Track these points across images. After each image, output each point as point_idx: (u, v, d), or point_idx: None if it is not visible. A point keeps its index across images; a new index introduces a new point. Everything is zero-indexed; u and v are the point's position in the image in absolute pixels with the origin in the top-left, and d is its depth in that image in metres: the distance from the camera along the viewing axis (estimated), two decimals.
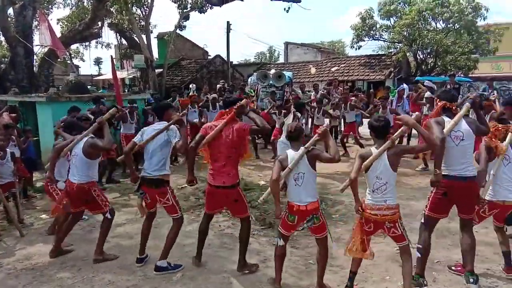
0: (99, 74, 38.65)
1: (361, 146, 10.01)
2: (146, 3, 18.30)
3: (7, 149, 5.77)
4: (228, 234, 5.16)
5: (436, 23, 22.04)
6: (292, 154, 3.54)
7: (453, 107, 3.77)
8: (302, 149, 3.51)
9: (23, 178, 6.66)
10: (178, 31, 21.02)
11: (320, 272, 3.66)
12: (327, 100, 11.59)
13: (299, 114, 7.29)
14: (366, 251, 3.49)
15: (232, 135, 3.87)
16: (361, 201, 3.50)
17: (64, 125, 5.35)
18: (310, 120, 10.96)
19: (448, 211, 3.87)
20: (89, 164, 4.36)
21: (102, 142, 4.30)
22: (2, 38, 18.14)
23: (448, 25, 21.44)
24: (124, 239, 5.07)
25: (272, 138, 10.05)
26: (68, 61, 21.89)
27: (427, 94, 9.03)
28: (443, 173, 3.66)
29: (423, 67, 22.46)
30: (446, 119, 3.72)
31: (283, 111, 9.67)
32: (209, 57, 27.71)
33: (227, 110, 4.04)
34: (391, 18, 22.39)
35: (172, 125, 4.13)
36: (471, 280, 3.68)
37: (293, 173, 3.50)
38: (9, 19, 12.47)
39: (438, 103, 3.86)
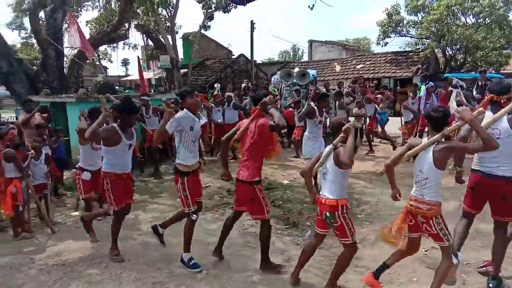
0: (126, 75, 39.51)
1: (370, 144, 10.03)
2: (172, 4, 18.52)
3: (42, 150, 5.89)
4: (252, 233, 5.17)
5: (465, 18, 21.45)
6: (327, 149, 3.65)
7: (502, 101, 3.55)
8: (330, 146, 3.58)
9: (54, 176, 6.88)
10: (202, 31, 21.22)
11: (336, 270, 3.58)
12: (352, 98, 11.43)
13: (313, 104, 7.23)
14: (397, 240, 3.46)
15: (254, 131, 3.89)
16: (398, 189, 3.52)
17: (89, 112, 5.30)
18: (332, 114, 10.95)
19: (480, 207, 3.78)
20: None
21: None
22: (34, 41, 18.82)
23: (479, 20, 20.78)
24: (149, 237, 5.15)
25: (294, 136, 10.05)
26: (97, 62, 22.52)
27: (455, 92, 8.75)
28: (475, 168, 3.67)
29: (452, 63, 21.86)
30: (488, 113, 3.57)
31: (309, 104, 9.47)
32: (233, 57, 27.83)
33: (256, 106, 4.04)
34: (418, 14, 21.92)
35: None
36: (490, 285, 3.63)
37: (323, 167, 3.62)
38: (40, 22, 12.89)
39: (488, 96, 3.71)
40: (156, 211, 6.15)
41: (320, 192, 3.62)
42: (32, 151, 5.64)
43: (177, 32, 21.32)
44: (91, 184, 5.10)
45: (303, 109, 7.45)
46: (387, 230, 3.53)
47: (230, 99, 10.41)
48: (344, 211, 3.47)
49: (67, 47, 14.06)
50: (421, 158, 3.30)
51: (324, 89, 12.84)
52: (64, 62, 13.52)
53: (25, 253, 4.75)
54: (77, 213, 6.16)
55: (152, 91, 19.12)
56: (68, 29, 16.11)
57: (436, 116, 3.28)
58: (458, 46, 21.23)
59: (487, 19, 20.20)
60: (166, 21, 19.75)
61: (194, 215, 4.17)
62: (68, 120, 9.06)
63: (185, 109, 4.12)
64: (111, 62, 41.59)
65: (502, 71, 21.50)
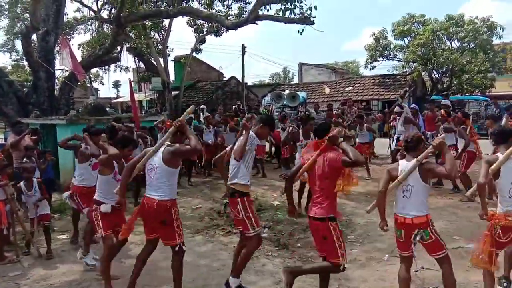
0: (118, 97, 39.57)
1: (368, 170, 9.71)
2: (164, 27, 18.82)
3: (34, 179, 5.55)
4: None
5: (451, 43, 22.09)
6: (404, 165, 3.53)
7: None
8: (414, 161, 3.46)
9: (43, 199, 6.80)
10: (194, 54, 21.50)
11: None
12: (341, 120, 11.57)
13: (296, 128, 7.37)
14: (493, 264, 3.45)
15: (323, 166, 3.65)
16: (488, 211, 3.56)
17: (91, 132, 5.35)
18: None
19: None
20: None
21: (189, 144, 3.73)
22: (25, 63, 18.85)
23: (463, 44, 21.43)
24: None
25: (283, 156, 10.12)
26: (88, 85, 22.55)
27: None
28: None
29: (438, 86, 22.35)
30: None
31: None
32: (224, 79, 28.14)
33: (320, 139, 3.80)
34: (405, 38, 22.53)
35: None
36: (505, 284, 3.71)
37: (402, 184, 3.48)
38: (32, 44, 12.96)
39: (510, 122, 3.84)
40: (140, 232, 6.07)
41: (399, 213, 3.51)
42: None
43: (169, 55, 21.61)
44: (112, 219, 4.28)
45: (284, 134, 7.51)
46: (476, 256, 3.52)
47: (209, 120, 10.57)
48: (432, 225, 3.50)
49: (58, 69, 14.12)
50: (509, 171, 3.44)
51: (313, 111, 13.01)
52: (55, 84, 13.54)
53: (10, 278, 4.64)
54: (64, 236, 6.07)
55: (143, 112, 19.16)
56: (60, 52, 16.23)
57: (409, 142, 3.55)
58: (444, 70, 21.80)
59: (471, 43, 20.85)
60: (158, 44, 20.00)
61: (264, 231, 4.14)
62: (57, 142, 9.03)
63: (251, 130, 4.18)
64: (103, 84, 41.80)
65: (488, 94, 22.05)
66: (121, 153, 4.31)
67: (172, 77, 22.98)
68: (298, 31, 10.93)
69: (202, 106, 13.99)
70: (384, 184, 3.59)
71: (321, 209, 3.60)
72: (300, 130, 7.42)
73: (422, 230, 3.40)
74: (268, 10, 11.08)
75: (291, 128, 7.56)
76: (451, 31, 20.99)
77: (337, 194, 3.68)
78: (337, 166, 3.55)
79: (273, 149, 13.12)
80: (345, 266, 3.62)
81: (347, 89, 22.58)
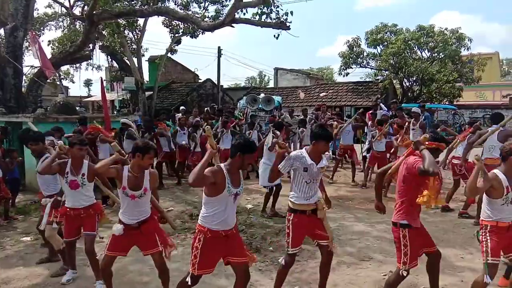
0: (89, 96, 38.61)
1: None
2: (138, 26, 18.54)
3: None
4: None
5: (421, 52, 22.75)
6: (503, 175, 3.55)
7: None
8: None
9: (4, 199, 6.54)
10: (169, 54, 21.26)
11: None
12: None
13: (278, 133, 7.43)
14: None
15: (402, 169, 3.65)
16: None
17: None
18: (298, 141, 11.14)
19: None
20: None
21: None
22: None
23: (433, 54, 22.13)
24: None
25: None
26: (58, 82, 21.90)
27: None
28: None
29: (409, 94, 22.96)
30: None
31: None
32: (199, 81, 27.96)
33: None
34: (377, 47, 23.04)
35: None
36: None
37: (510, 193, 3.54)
38: None
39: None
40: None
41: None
42: None
43: (143, 55, 21.28)
44: (123, 241, 3.73)
45: (268, 138, 7.47)
46: None
47: (182, 122, 10.50)
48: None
49: (26, 66, 13.64)
50: None
51: (288, 115, 13.10)
52: (23, 81, 13.07)
53: None
54: (28, 238, 5.84)
55: (115, 112, 18.77)
56: (29, 48, 15.69)
57: None
58: (414, 78, 22.41)
59: (441, 53, 21.54)
60: (132, 43, 19.67)
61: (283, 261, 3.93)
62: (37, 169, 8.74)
63: (304, 149, 4.02)
64: (73, 83, 40.72)
65: (455, 103, 22.83)
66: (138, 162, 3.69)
67: (146, 77, 22.68)
68: (274, 36, 10.98)
69: (181, 108, 13.84)
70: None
71: (396, 213, 3.62)
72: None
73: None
74: (244, 14, 11.09)
75: (277, 132, 7.60)
76: (421, 41, 21.63)
77: (416, 202, 3.53)
78: (412, 172, 3.48)
79: None
80: (404, 273, 3.55)
81: (321, 94, 22.89)
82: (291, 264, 3.96)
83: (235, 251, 3.41)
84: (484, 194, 3.63)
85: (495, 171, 3.61)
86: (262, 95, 14.54)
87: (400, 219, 3.56)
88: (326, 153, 4.02)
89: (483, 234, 3.61)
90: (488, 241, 3.55)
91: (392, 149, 9.08)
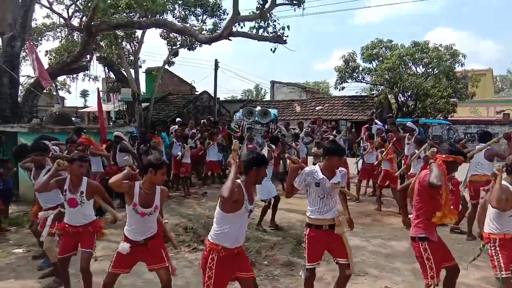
0: (85, 106, 38.55)
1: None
2: (136, 38, 18.63)
3: None
4: None
5: (416, 68, 23.03)
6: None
7: None
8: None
9: None
10: (166, 66, 21.34)
11: None
12: (310, 138, 11.76)
13: (273, 147, 7.51)
14: None
15: (416, 184, 3.69)
16: None
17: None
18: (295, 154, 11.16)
19: None
20: None
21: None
22: None
23: (428, 70, 22.41)
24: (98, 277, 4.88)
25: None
26: (54, 93, 21.84)
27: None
28: None
29: (404, 109, 23.15)
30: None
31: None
32: (196, 93, 28.03)
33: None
34: (373, 62, 23.31)
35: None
36: None
37: None
38: None
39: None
40: (106, 248, 5.86)
41: None
42: None
43: (140, 66, 21.33)
44: (128, 258, 3.64)
45: (264, 152, 7.52)
46: None
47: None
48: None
49: (23, 76, 13.64)
50: None
51: (284, 128, 13.13)
52: (19, 91, 13.05)
53: None
54: (20, 250, 5.77)
55: (111, 123, 18.74)
56: (26, 58, 15.71)
57: None
58: (409, 93, 22.63)
59: (435, 69, 21.84)
60: (130, 55, 19.74)
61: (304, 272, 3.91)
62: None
63: (317, 165, 3.99)
64: (70, 93, 40.70)
65: (450, 118, 23.03)
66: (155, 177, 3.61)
67: (143, 88, 22.68)
68: (271, 49, 11.09)
69: (178, 119, 13.86)
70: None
71: (413, 227, 3.65)
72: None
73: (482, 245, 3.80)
74: (242, 27, 11.21)
75: (272, 146, 7.78)
76: (416, 57, 21.93)
77: (432, 215, 3.54)
78: (424, 185, 3.52)
79: None
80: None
81: (317, 108, 23.00)
82: (312, 278, 3.93)
83: (243, 266, 3.37)
84: (491, 208, 3.65)
85: (505, 183, 3.66)
86: (258, 108, 14.60)
87: (418, 233, 3.56)
88: (341, 169, 3.97)
89: (492, 248, 3.63)
90: (499, 255, 3.58)
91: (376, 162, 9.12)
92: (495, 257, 3.59)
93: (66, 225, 4.12)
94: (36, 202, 5.23)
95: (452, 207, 3.60)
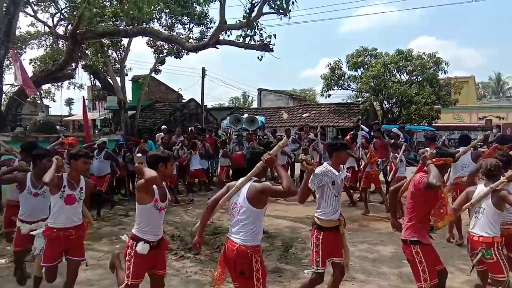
0: (70, 115, 38.10)
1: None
2: (122, 46, 18.56)
3: None
4: (195, 280, 5.00)
5: (400, 75, 23.39)
6: (480, 189, 3.84)
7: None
8: (488, 188, 3.76)
9: None
10: (153, 74, 21.28)
11: None
12: (298, 145, 11.83)
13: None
14: None
15: (411, 186, 3.70)
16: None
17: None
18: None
19: None
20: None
21: (282, 184, 3.15)
22: None
23: (412, 77, 22.78)
24: (83, 285, 4.80)
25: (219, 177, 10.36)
26: (38, 101, 21.59)
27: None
28: None
29: (389, 115, 23.46)
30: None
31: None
32: (183, 101, 27.97)
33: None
34: (358, 70, 23.62)
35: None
36: None
37: (475, 206, 3.81)
38: None
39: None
40: (91, 258, 5.78)
41: (472, 231, 3.79)
42: None
43: (126, 74, 21.23)
44: (147, 262, 3.50)
45: None
46: None
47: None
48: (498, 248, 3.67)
49: (6, 84, 13.43)
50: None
51: (271, 135, 13.18)
52: (3, 100, 12.85)
53: None
54: (3, 260, 5.64)
55: (97, 131, 18.55)
56: (10, 66, 15.49)
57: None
58: (394, 100, 22.96)
59: (419, 77, 22.20)
60: (116, 63, 19.63)
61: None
62: (1, 159, 8.51)
63: (326, 163, 4.02)
64: (54, 101, 40.01)
65: (434, 124, 23.41)
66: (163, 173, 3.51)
67: (129, 96, 22.56)
68: (258, 57, 11.17)
69: (163, 127, 13.81)
70: (459, 203, 3.95)
71: (405, 230, 3.64)
72: None
73: (483, 249, 3.63)
74: (228, 36, 11.27)
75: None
76: (400, 64, 22.29)
77: (426, 218, 3.63)
78: (419, 188, 3.53)
79: (230, 172, 13.10)
80: None
81: (304, 115, 23.15)
82: (319, 282, 3.92)
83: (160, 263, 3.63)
84: (492, 210, 3.70)
85: (482, 187, 3.86)
86: (245, 115, 14.63)
87: (410, 236, 3.56)
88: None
89: (496, 251, 3.62)
90: (503, 258, 3.65)
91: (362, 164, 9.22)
92: (500, 261, 3.61)
93: (55, 230, 3.90)
94: (7, 213, 5.17)
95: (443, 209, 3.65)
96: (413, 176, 3.76)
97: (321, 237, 3.84)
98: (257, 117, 14.34)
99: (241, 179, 3.35)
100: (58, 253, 4.00)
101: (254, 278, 3.15)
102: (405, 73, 22.93)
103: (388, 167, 8.94)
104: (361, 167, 9.20)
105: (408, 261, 3.63)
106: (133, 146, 10.05)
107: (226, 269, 3.30)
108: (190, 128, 14.13)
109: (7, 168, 4.89)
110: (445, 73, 22.27)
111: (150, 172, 3.30)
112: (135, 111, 19.71)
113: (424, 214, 3.58)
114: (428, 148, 3.87)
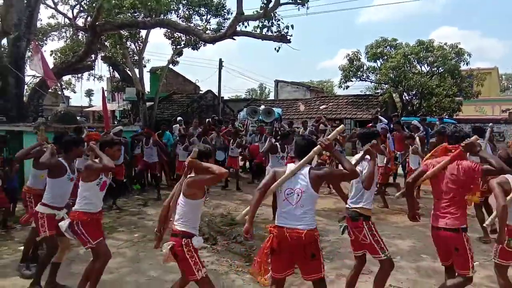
0: (90, 106, 38.74)
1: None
2: (141, 38, 18.68)
3: None
4: (212, 270, 5.05)
5: (421, 67, 22.87)
6: None
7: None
8: None
9: (3, 208, 6.52)
10: (171, 66, 21.38)
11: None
12: (315, 137, 11.74)
13: (273, 140, 8.02)
14: None
15: (458, 174, 3.56)
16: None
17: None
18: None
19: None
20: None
21: (345, 168, 3.33)
22: None
23: (433, 69, 22.24)
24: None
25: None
26: (59, 92, 21.98)
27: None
28: None
29: (408, 108, 23.02)
30: None
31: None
32: (200, 92, 28.06)
33: (453, 145, 3.74)
34: (377, 61, 23.18)
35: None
36: None
37: None
38: (2, 49, 12.59)
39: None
40: (111, 246, 5.89)
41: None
42: None
43: (145, 66, 21.37)
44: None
45: (265, 145, 7.99)
46: None
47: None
48: None
49: (28, 76, 13.72)
50: None
51: (288, 127, 13.13)
52: (25, 91, 13.15)
53: None
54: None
55: (116, 122, 18.81)
56: (31, 57, 15.79)
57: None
58: (414, 92, 22.48)
59: (440, 68, 21.67)
60: (134, 55, 19.79)
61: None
62: (16, 155, 8.78)
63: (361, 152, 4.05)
64: (75, 93, 40.90)
65: (455, 117, 22.89)
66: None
67: (147, 88, 22.76)
68: (275, 49, 11.11)
69: (179, 118, 13.91)
70: (502, 196, 3.64)
71: (454, 219, 3.52)
72: (278, 144, 7.82)
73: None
74: (246, 27, 11.22)
75: (273, 140, 8.14)
76: (421, 55, 21.78)
77: (465, 204, 3.61)
78: (475, 175, 3.51)
79: (247, 163, 13.14)
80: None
81: (321, 107, 22.94)
82: (392, 267, 3.95)
83: None
84: None
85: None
86: (262, 106, 14.60)
87: (461, 224, 3.52)
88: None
89: None
90: None
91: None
92: None
93: (89, 214, 3.97)
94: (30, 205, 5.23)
95: None
96: (447, 164, 3.60)
97: (373, 226, 3.86)
98: (274, 109, 14.30)
99: (292, 165, 3.40)
100: (100, 231, 4.14)
101: (321, 257, 3.32)
102: (426, 64, 22.41)
103: (408, 160, 8.79)
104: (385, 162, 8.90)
105: (457, 251, 3.53)
106: (145, 137, 10.06)
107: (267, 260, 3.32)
108: (208, 120, 14.20)
109: (37, 148, 5.08)
110: (467, 64, 21.66)
111: (220, 168, 3.40)
112: (153, 103, 19.88)
113: (464, 199, 3.59)
114: (476, 136, 3.71)
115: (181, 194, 3.44)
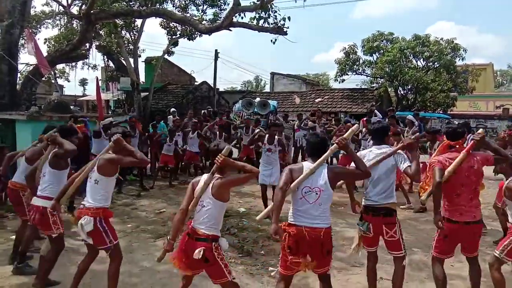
0: (84, 95, 38.46)
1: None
2: (136, 27, 18.49)
3: None
4: None
5: (416, 61, 22.92)
6: None
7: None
8: None
9: None
10: (166, 56, 21.23)
11: None
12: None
13: (263, 131, 7.95)
14: None
15: (478, 165, 3.61)
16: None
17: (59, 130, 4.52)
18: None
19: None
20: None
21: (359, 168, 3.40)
22: None
23: (428, 64, 22.31)
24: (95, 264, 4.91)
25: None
26: (53, 81, 21.77)
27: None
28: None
29: (403, 102, 23.11)
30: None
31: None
32: (195, 83, 27.92)
33: (456, 141, 3.76)
34: (373, 55, 23.20)
35: (400, 150, 3.82)
36: None
37: None
38: None
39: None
40: None
41: None
42: None
43: (139, 56, 21.20)
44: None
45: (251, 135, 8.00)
46: None
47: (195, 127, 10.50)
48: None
49: (22, 64, 13.54)
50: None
51: (283, 120, 13.15)
52: (18, 79, 12.99)
53: None
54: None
55: (110, 112, 18.70)
56: (25, 45, 15.61)
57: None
58: (409, 87, 22.56)
59: (435, 63, 21.75)
60: (129, 44, 19.61)
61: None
62: (16, 138, 8.68)
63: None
64: (68, 81, 40.47)
65: (449, 112, 23.02)
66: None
67: (142, 78, 22.57)
68: (271, 41, 11.05)
69: (172, 109, 13.86)
70: None
71: (478, 211, 3.68)
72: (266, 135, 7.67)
73: None
74: (242, 18, 11.14)
75: (258, 130, 8.02)
76: (417, 50, 21.81)
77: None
78: (488, 164, 3.73)
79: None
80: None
81: (316, 100, 22.93)
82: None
83: None
84: None
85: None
86: (257, 99, 14.59)
87: (481, 215, 3.75)
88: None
89: None
90: None
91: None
92: None
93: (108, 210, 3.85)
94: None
95: None
96: (464, 157, 3.59)
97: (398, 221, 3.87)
98: (269, 101, 14.30)
99: (308, 164, 3.35)
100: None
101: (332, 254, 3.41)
102: (422, 59, 22.46)
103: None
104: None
105: (479, 238, 3.78)
106: (130, 127, 9.82)
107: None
108: (203, 111, 14.16)
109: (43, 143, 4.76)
110: (462, 59, 21.75)
111: (252, 167, 3.37)
112: (148, 93, 19.77)
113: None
114: (482, 129, 3.83)
115: (208, 195, 3.25)
